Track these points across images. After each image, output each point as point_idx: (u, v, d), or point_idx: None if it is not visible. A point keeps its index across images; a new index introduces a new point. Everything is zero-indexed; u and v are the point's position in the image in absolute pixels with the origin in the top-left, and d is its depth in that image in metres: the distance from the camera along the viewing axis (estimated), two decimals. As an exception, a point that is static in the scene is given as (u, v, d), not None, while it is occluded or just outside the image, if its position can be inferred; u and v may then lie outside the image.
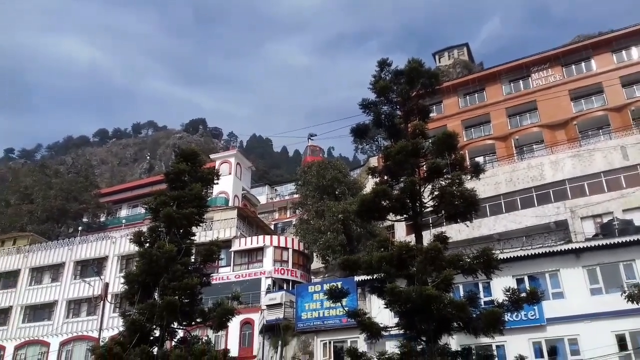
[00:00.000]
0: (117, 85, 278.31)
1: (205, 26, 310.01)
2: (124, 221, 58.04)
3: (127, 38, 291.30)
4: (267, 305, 32.65)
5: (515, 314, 18.68)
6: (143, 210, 50.28)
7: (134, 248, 22.25)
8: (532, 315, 22.96)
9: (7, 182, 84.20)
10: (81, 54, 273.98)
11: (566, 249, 24.13)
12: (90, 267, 40.90)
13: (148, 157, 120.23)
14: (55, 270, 43.54)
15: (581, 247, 23.92)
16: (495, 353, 17.95)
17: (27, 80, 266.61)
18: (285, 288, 35.47)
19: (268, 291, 34.77)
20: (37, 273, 44.19)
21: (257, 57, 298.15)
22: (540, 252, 24.52)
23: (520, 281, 23.87)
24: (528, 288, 16.81)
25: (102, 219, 59.94)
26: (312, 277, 40.46)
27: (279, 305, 32.00)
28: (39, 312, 42.57)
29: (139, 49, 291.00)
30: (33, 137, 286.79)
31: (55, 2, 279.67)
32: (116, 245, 42.13)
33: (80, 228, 51.42)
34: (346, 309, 15.90)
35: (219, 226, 40.11)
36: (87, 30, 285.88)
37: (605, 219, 29.04)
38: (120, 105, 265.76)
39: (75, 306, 41.57)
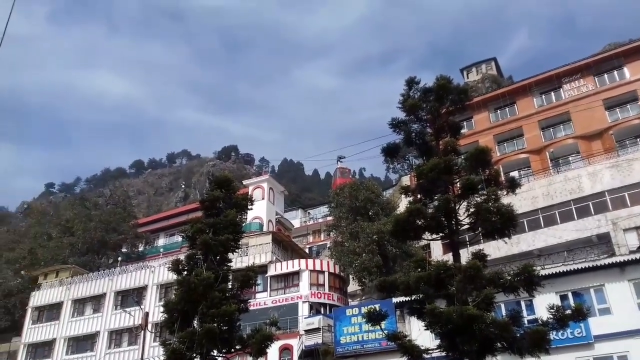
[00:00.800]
0: (150, 116, 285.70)
1: (233, 55, 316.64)
2: (161, 250, 58.87)
3: (158, 70, 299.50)
4: (305, 330, 32.45)
5: (561, 332, 18.12)
6: (180, 239, 50.95)
7: (172, 276, 22.54)
8: (578, 333, 22.27)
9: (48, 216, 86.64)
10: (114, 88, 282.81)
11: (610, 262, 23.44)
12: (131, 297, 41.45)
13: (183, 186, 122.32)
14: (96, 301, 44.29)
15: (625, 260, 23.20)
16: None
17: (63, 116, 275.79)
18: (322, 312, 35.24)
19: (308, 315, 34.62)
20: (79, 305, 45.01)
21: (284, 82, 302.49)
22: (583, 267, 23.85)
23: (564, 298, 23.25)
24: (573, 304, 16.32)
25: (141, 248, 60.97)
26: (349, 300, 40.11)
27: (317, 329, 31.77)
28: (81, 343, 43.22)
29: (169, 79, 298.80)
30: (72, 171, 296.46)
31: (87, 39, 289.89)
32: (155, 274, 42.68)
33: (119, 258, 52.34)
34: (385, 332, 15.70)
35: (254, 251, 40.27)
36: (119, 65, 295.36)
37: (650, 230, 28.13)
38: (155, 136, 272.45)
39: (116, 337, 42.08)
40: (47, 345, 43.88)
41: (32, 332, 45.03)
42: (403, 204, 30.35)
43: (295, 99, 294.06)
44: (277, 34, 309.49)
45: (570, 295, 23.53)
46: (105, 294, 43.85)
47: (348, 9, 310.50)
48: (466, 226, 15.94)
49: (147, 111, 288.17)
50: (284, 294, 37.84)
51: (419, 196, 16.92)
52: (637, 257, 22.98)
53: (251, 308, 22.22)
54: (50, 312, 45.60)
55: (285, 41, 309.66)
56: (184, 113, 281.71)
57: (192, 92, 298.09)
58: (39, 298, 46.51)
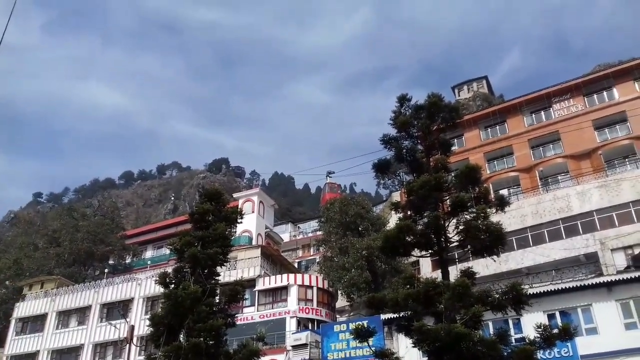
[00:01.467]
0: (142, 128, 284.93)
1: (227, 69, 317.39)
2: (149, 262, 58.40)
3: (152, 83, 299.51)
4: (292, 346, 32.23)
5: (548, 351, 18.11)
6: (168, 251, 50.55)
7: (159, 289, 22.31)
8: (565, 352, 22.28)
9: (35, 226, 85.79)
10: (108, 99, 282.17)
11: (598, 282, 23.54)
12: (116, 310, 41.02)
13: (172, 198, 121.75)
14: (81, 313, 43.76)
15: (613, 280, 23.31)
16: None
17: (55, 126, 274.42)
18: (310, 327, 35.03)
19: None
20: (64, 317, 44.45)
21: (277, 97, 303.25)
22: (571, 287, 23.95)
23: (551, 317, 23.29)
24: (560, 324, 16.35)
25: (128, 260, 60.38)
26: (337, 315, 39.91)
27: (304, 345, 31.59)
28: (65, 356, 42.63)
29: (163, 92, 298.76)
30: (61, 181, 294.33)
31: (82, 51, 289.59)
32: (142, 287, 42.29)
33: (106, 270, 51.85)
34: (373, 348, 15.60)
35: (243, 265, 40.06)
36: (114, 76, 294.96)
37: (637, 250, 28.29)
38: (145, 147, 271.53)
39: (101, 350, 41.54)
40: (31, 358, 43.22)
41: (16, 344, 44.38)
42: (393, 220, 30.36)
43: (289, 113, 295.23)
44: (272, 50, 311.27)
45: (557, 314, 23.58)
46: (90, 306, 43.36)
47: (342, 26, 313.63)
48: (455, 243, 15.96)
49: (139, 123, 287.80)
50: (272, 308, 37.62)
51: (409, 212, 16.93)
52: (625, 277, 23.11)
53: (238, 323, 22.01)
54: (35, 323, 44.98)
55: (280, 57, 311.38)
56: (176, 125, 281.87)
57: (185, 105, 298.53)
58: (23, 309, 45.91)
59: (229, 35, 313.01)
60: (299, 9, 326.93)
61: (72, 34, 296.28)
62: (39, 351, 42.98)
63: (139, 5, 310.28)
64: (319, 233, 55.70)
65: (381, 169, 17.91)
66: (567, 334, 14.26)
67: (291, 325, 35.72)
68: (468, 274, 15.03)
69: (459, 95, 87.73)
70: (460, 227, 15.65)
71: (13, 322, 45.68)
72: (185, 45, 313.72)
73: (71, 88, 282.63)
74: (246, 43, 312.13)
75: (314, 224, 67.14)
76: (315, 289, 38.50)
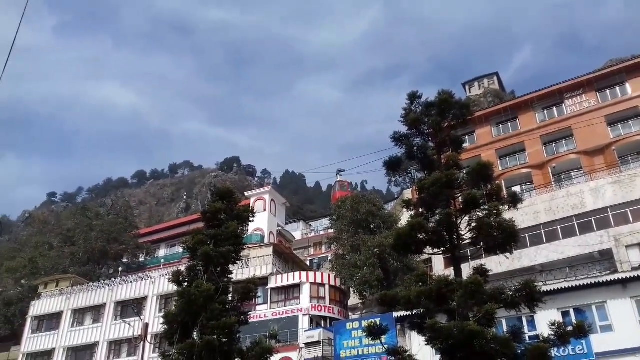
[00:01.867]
0: (154, 127, 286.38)
1: (238, 69, 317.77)
2: (162, 261, 58.80)
3: (164, 83, 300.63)
4: (305, 344, 32.31)
5: (562, 348, 18.00)
6: (181, 250, 50.93)
7: (172, 288, 22.50)
8: (580, 350, 22.12)
9: (50, 225, 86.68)
10: (120, 99, 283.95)
11: (612, 279, 23.37)
12: (131, 308, 41.37)
13: (185, 197, 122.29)
14: (96, 311, 44.19)
15: (628, 277, 23.12)
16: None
17: (68, 126, 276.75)
18: (322, 325, 35.11)
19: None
20: (79, 315, 44.93)
21: (289, 95, 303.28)
22: (585, 284, 23.77)
23: (565, 314, 23.15)
24: (574, 321, 16.23)
25: (141, 259, 60.89)
26: (350, 313, 39.95)
27: (317, 343, 31.66)
28: (80, 353, 43.07)
29: (175, 92, 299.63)
30: (74, 181, 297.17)
31: (94, 52, 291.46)
32: (155, 285, 42.61)
33: (120, 269, 52.30)
34: (386, 346, 15.60)
35: (255, 263, 40.22)
36: (127, 77, 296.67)
37: (652, 247, 28.03)
38: (158, 147, 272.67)
39: (116, 347, 41.93)
40: (46, 355, 43.72)
41: (32, 342, 44.90)
42: (405, 217, 30.31)
43: (300, 112, 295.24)
44: (283, 49, 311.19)
45: (572, 311, 23.43)
46: (105, 304, 43.77)
47: (352, 25, 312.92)
48: (468, 241, 15.91)
49: (152, 123, 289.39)
50: (285, 306, 37.73)
51: (420, 210, 16.90)
52: (640, 274, 22.90)
53: (251, 320, 22.11)
54: (50, 321, 45.49)
55: (291, 56, 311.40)
56: (188, 125, 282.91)
57: (197, 105, 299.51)
58: (38, 307, 46.44)
59: (239, 35, 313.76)
60: (308, 7, 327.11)
61: (84, 35, 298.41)
62: (54, 349, 43.46)
63: (151, 7, 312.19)
64: (330, 231, 55.73)
65: (392, 166, 17.87)
66: (582, 331, 14.17)
67: (304, 322, 35.82)
68: (481, 271, 14.99)
69: (470, 92, 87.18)
70: (473, 225, 15.59)
71: (29, 320, 46.22)
72: (196, 45, 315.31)
73: (83, 89, 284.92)
74: (257, 43, 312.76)
75: (325, 221, 67.14)
76: (327, 286, 38.55)
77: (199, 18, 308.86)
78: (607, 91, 39.47)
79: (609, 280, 23.39)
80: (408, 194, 39.07)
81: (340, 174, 67.29)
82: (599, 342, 21.89)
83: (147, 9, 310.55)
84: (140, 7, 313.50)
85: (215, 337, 17.24)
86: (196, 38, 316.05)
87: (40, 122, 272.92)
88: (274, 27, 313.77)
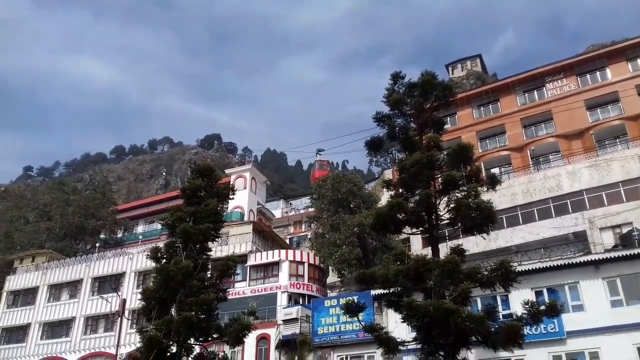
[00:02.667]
0: (133, 103, 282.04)
1: (220, 45, 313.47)
2: (140, 237, 58.39)
3: (144, 57, 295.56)
4: (283, 320, 32.55)
5: (535, 327, 18.40)
6: (159, 226, 50.58)
7: (151, 264, 22.39)
8: (551, 329, 22.63)
9: (25, 199, 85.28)
10: (99, 74, 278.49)
11: (585, 260, 23.81)
12: (108, 284, 41.15)
13: (164, 173, 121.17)
14: (73, 287, 43.85)
15: (600, 258, 23.57)
16: (515, 367, 17.71)
17: (45, 100, 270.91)
18: (301, 303, 35.37)
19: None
20: (55, 290, 44.54)
21: (271, 74, 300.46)
22: (559, 264, 24.19)
23: (539, 294, 23.60)
24: (547, 301, 16.59)
25: (119, 235, 60.35)
26: (328, 291, 40.30)
27: (295, 320, 31.89)
28: (56, 329, 42.82)
29: (155, 68, 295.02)
30: (51, 155, 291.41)
31: (74, 25, 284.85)
32: (133, 262, 42.36)
33: (97, 244, 51.84)
34: (363, 323, 15.83)
35: (234, 241, 40.19)
36: (105, 51, 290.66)
37: (625, 230, 28.60)
38: (137, 123, 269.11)
39: (93, 323, 41.75)
40: (22, 330, 43.39)
41: (7, 317, 44.49)
42: (385, 197, 30.47)
43: (282, 91, 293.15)
44: (265, 26, 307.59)
45: (545, 291, 23.88)
46: (82, 279, 43.44)
47: (335, 3, 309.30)
48: (446, 221, 16.11)
49: (131, 98, 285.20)
50: (263, 283, 37.91)
51: (400, 190, 17.03)
52: (612, 256, 23.37)
53: (230, 297, 22.19)
54: (26, 296, 45.06)
55: (273, 33, 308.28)
56: (168, 101, 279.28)
57: (177, 81, 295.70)
58: (14, 282, 45.93)
59: (221, 10, 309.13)
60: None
61: (63, 7, 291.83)
62: (30, 324, 43.14)
63: None
64: (310, 210, 55.86)
65: (374, 146, 17.92)
66: (554, 310, 14.52)
67: (282, 300, 36.06)
68: (458, 251, 15.21)
69: (453, 74, 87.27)
70: (451, 205, 15.77)
71: (4, 294, 45.73)
72: (177, 20, 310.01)
73: (62, 62, 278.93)
74: (239, 19, 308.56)
75: (305, 200, 67.26)
76: (306, 264, 38.77)
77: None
78: (588, 76, 39.80)
79: (582, 261, 23.85)
80: (389, 174, 39.25)
81: (319, 153, 67.35)
82: (570, 321, 22.39)
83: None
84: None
85: (193, 313, 17.28)
86: (177, 12, 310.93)
87: (17, 95, 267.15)
88: (258, 2, 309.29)
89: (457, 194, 15.84)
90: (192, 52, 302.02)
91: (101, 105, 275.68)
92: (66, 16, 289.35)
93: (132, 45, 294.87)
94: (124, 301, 31.33)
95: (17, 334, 43.64)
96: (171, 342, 17.27)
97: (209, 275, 19.31)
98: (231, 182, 47.47)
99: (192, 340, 17.94)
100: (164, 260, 18.94)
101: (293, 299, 36.71)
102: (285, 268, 37.89)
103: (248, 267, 38.62)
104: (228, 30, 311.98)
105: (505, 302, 23.48)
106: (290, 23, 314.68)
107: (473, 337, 14.24)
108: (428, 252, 16.46)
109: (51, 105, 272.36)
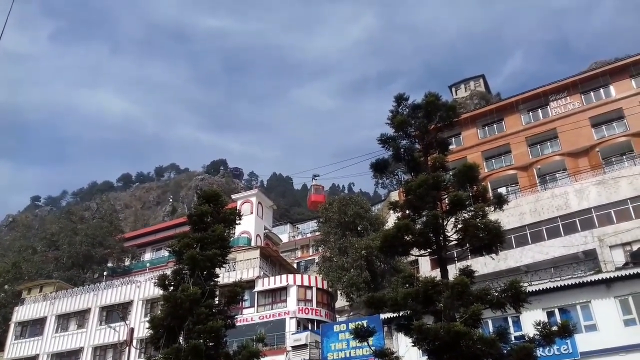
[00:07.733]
0: (148, 133, 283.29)
1: (233, 75, 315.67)
2: (148, 265, 58.28)
3: (159, 89, 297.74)
4: (292, 347, 32.23)
5: (548, 348, 18.12)
6: (167, 253, 50.55)
7: (158, 292, 22.27)
8: (565, 350, 22.30)
9: (33, 229, 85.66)
10: (115, 106, 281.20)
11: (596, 279, 23.58)
12: (116, 312, 40.95)
13: (171, 200, 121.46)
14: (81, 316, 43.70)
15: (612, 276, 23.35)
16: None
17: (61, 133, 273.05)
18: (310, 328, 35.03)
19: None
20: (63, 320, 44.38)
21: (282, 102, 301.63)
22: (570, 284, 23.96)
23: (551, 314, 23.32)
24: (559, 321, 16.34)
25: (127, 263, 60.31)
26: (337, 315, 39.91)
27: (304, 346, 31.58)
28: (65, 359, 42.54)
29: (169, 98, 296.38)
30: (59, 185, 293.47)
31: (90, 59, 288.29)
32: (141, 290, 42.23)
33: (105, 273, 51.76)
34: (373, 348, 15.62)
35: (242, 266, 40.05)
36: (120, 84, 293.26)
37: (635, 247, 28.35)
38: (150, 152, 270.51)
39: (101, 352, 41.49)
40: (30, 362, 43.14)
41: (15, 348, 44.27)
42: (392, 219, 30.38)
43: (293, 118, 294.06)
44: (278, 56, 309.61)
45: (557, 311, 23.61)
46: (90, 309, 43.31)
47: (347, 32, 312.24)
48: (454, 242, 15.97)
49: (146, 129, 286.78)
50: (272, 309, 37.61)
51: (407, 212, 16.93)
52: (623, 274, 23.13)
53: (238, 324, 22.00)
54: (34, 327, 44.92)
55: (286, 63, 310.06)
56: (182, 131, 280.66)
57: (191, 111, 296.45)
58: (22, 313, 45.83)
59: (236, 42, 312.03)
60: (306, 15, 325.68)
61: (80, 42, 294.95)
62: (38, 355, 42.91)
63: (148, 14, 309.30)
64: (317, 233, 55.67)
65: (379, 168, 17.90)
66: (567, 331, 14.28)
67: (291, 325, 35.72)
68: (467, 272, 15.04)
69: (457, 94, 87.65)
70: (459, 226, 15.66)
71: (12, 326, 45.58)
72: (192, 52, 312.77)
73: (78, 95, 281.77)
74: (253, 50, 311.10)
75: (312, 224, 67.05)
76: (314, 289, 38.48)
77: (196, 25, 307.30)
78: (592, 93, 39.91)
79: (593, 280, 23.60)
80: (395, 196, 39.21)
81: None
82: (583, 341, 22.08)
83: (144, 17, 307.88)
84: (138, 15, 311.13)
85: (201, 341, 17.10)
86: (192, 45, 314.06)
87: (34, 129, 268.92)
88: (271, 34, 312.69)
89: (464, 215, 15.74)
90: (206, 82, 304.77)
91: (117, 137, 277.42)
92: (83, 51, 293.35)
93: (147, 78, 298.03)
94: (132, 330, 31.12)
95: (25, 365, 43.40)
96: (180, 371, 17.07)
97: (216, 302, 19.14)
98: (238, 208, 47.49)
99: (200, 369, 17.73)
100: (172, 288, 18.83)
101: (302, 324, 36.37)
102: (293, 293, 37.62)
103: (256, 293, 38.38)
104: (242, 61, 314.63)
105: (517, 324, 23.20)
106: (302, 53, 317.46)
107: (485, 360, 14.01)
108: (437, 274, 16.31)
109: (67, 138, 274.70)
